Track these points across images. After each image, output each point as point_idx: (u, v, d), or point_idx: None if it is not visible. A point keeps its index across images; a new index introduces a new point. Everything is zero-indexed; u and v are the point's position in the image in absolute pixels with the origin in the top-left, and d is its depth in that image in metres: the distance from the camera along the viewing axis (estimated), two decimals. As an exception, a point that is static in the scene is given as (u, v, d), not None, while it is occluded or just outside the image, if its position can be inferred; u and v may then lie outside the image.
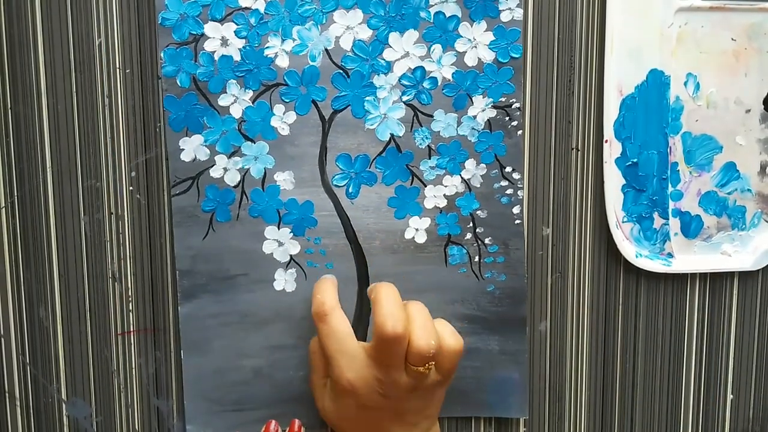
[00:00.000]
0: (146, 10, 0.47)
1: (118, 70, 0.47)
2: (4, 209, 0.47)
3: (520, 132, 0.50)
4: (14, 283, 0.48)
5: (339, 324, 0.44)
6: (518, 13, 0.49)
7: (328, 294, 0.45)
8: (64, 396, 0.49)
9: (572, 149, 0.51)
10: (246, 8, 0.47)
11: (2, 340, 0.48)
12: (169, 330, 0.49)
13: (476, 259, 0.51)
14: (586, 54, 0.51)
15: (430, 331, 0.43)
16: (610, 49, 0.50)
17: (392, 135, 0.49)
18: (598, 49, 0.51)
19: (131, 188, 0.48)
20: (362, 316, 0.50)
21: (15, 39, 0.46)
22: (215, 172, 0.48)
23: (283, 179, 0.49)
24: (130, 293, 0.49)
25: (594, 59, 0.51)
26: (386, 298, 0.43)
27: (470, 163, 0.50)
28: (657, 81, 0.51)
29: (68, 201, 0.48)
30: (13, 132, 0.47)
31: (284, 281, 0.49)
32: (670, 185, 0.52)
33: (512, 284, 0.51)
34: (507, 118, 0.50)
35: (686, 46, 0.51)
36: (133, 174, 0.48)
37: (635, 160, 0.51)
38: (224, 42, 0.47)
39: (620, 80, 0.50)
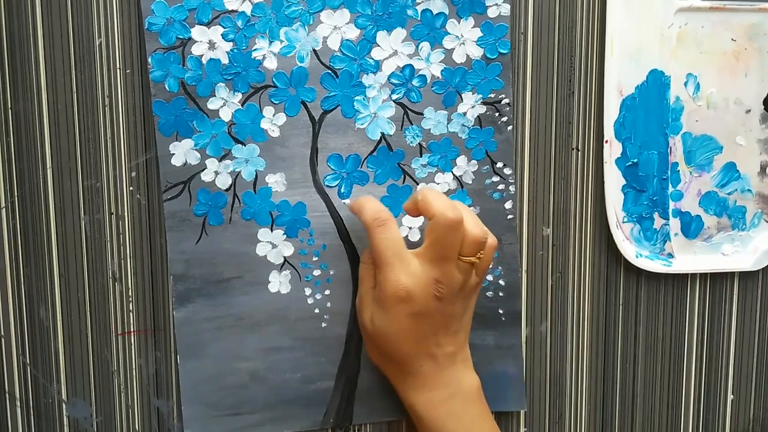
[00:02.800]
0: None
1: (118, 69, 0.47)
2: (4, 209, 0.47)
3: (510, 127, 0.50)
4: (14, 282, 0.48)
5: (396, 230, 0.44)
6: (505, 9, 0.49)
7: (380, 204, 0.46)
8: (64, 396, 0.49)
9: (572, 149, 0.51)
10: (232, 11, 0.47)
11: (2, 340, 0.48)
12: (169, 330, 0.49)
13: None
14: (587, 54, 0.51)
15: (479, 221, 0.45)
16: (610, 50, 0.50)
17: (383, 134, 0.49)
18: (598, 49, 0.51)
19: (131, 188, 0.48)
20: (357, 317, 0.50)
21: (15, 38, 0.46)
22: (206, 176, 0.48)
23: (275, 181, 0.49)
24: (130, 293, 0.49)
25: (594, 59, 0.51)
26: (436, 194, 0.44)
27: (461, 160, 0.50)
28: (657, 81, 0.51)
29: (68, 200, 0.48)
30: (13, 131, 0.47)
31: (279, 283, 0.49)
32: (670, 185, 0.52)
33: (506, 279, 0.51)
34: (497, 114, 0.50)
35: (686, 47, 0.51)
36: (133, 174, 0.48)
37: (635, 161, 0.51)
38: (212, 45, 0.47)
39: (620, 80, 0.50)
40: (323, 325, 0.50)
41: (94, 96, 0.47)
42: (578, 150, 0.51)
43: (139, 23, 0.47)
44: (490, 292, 0.51)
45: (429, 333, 0.45)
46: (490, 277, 0.51)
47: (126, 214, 0.48)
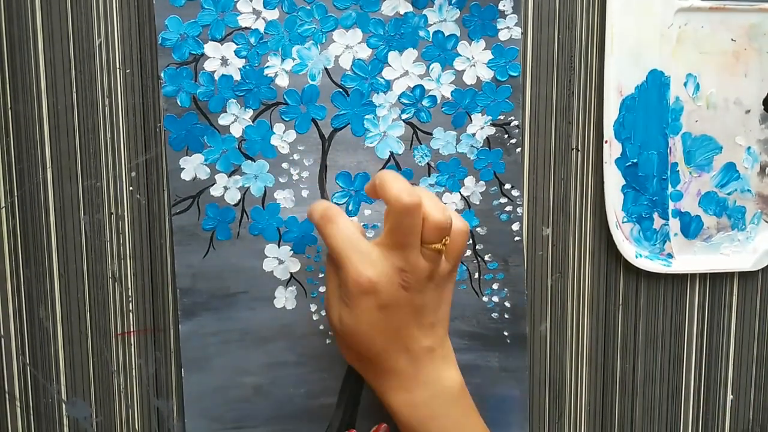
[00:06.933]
0: (146, 10, 0.47)
1: (118, 70, 0.47)
2: (4, 209, 0.47)
3: (518, 150, 0.50)
4: (14, 283, 0.48)
5: (348, 223, 0.43)
6: (516, 32, 0.49)
7: (327, 202, 0.45)
8: (64, 396, 0.49)
9: (572, 149, 0.51)
10: (246, 28, 0.47)
11: (2, 340, 0.48)
12: (169, 330, 0.49)
13: (476, 275, 0.51)
14: (586, 54, 0.51)
15: (442, 205, 0.42)
16: (610, 50, 0.50)
17: (392, 153, 0.49)
18: (598, 49, 0.51)
19: (131, 188, 0.48)
20: None
21: (15, 38, 0.46)
22: (215, 191, 0.48)
23: (284, 197, 0.49)
24: (130, 293, 0.49)
25: (594, 59, 0.51)
26: (394, 177, 0.42)
27: (469, 181, 0.50)
28: (657, 81, 0.51)
29: (68, 201, 0.48)
30: (13, 131, 0.47)
31: (284, 299, 0.49)
32: (670, 186, 0.52)
33: (512, 301, 0.51)
34: (506, 136, 0.50)
35: (686, 47, 0.51)
36: (133, 174, 0.48)
37: (635, 161, 0.51)
38: (224, 62, 0.47)
39: (620, 81, 0.50)
40: (327, 341, 0.50)
41: (94, 96, 0.47)
42: (578, 150, 0.51)
43: (139, 23, 0.47)
44: (496, 314, 0.51)
45: (401, 326, 0.43)
46: (495, 299, 0.51)
47: (126, 214, 0.48)
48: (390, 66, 0.49)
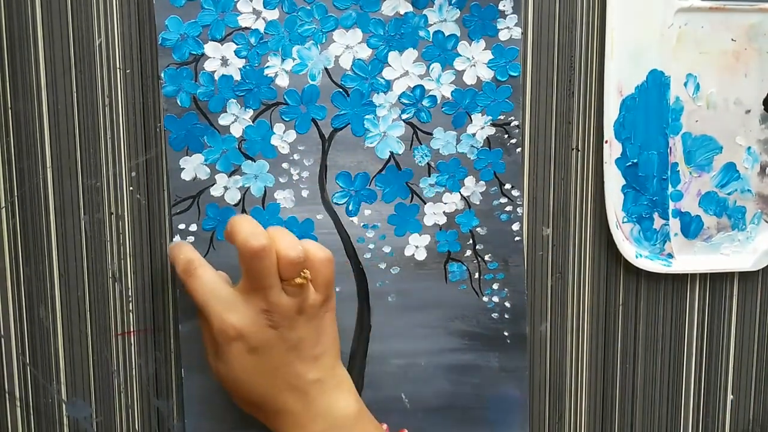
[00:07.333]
0: (146, 10, 0.47)
1: (118, 69, 0.47)
2: (4, 209, 0.47)
3: (518, 150, 0.50)
4: (14, 282, 0.48)
5: (209, 273, 0.44)
6: (516, 32, 0.49)
7: (192, 254, 0.45)
8: (64, 396, 0.49)
9: (572, 150, 0.51)
10: (246, 28, 0.47)
11: (2, 340, 0.48)
12: (169, 330, 0.49)
13: (476, 275, 0.51)
14: (586, 54, 0.51)
15: (295, 241, 0.43)
16: (610, 50, 0.50)
17: (392, 153, 0.49)
18: (598, 49, 0.51)
19: (131, 188, 0.48)
20: (362, 334, 0.50)
21: (15, 37, 0.46)
22: (216, 191, 0.48)
23: (284, 197, 0.49)
24: (130, 293, 0.49)
25: (594, 60, 0.51)
26: (241, 222, 0.43)
27: (469, 181, 0.50)
28: (657, 81, 0.51)
29: (68, 200, 0.48)
30: (13, 131, 0.47)
31: None
32: (670, 186, 0.52)
33: (512, 301, 0.51)
34: (506, 136, 0.50)
35: (686, 47, 0.51)
36: (133, 174, 0.48)
37: (635, 161, 0.51)
38: (224, 62, 0.47)
39: (620, 81, 0.50)
40: None
41: (94, 96, 0.47)
42: (578, 150, 0.51)
43: (140, 23, 0.47)
44: (496, 314, 0.51)
45: (279, 365, 0.43)
46: (495, 299, 0.51)
47: (126, 214, 0.48)
48: (390, 66, 0.49)
